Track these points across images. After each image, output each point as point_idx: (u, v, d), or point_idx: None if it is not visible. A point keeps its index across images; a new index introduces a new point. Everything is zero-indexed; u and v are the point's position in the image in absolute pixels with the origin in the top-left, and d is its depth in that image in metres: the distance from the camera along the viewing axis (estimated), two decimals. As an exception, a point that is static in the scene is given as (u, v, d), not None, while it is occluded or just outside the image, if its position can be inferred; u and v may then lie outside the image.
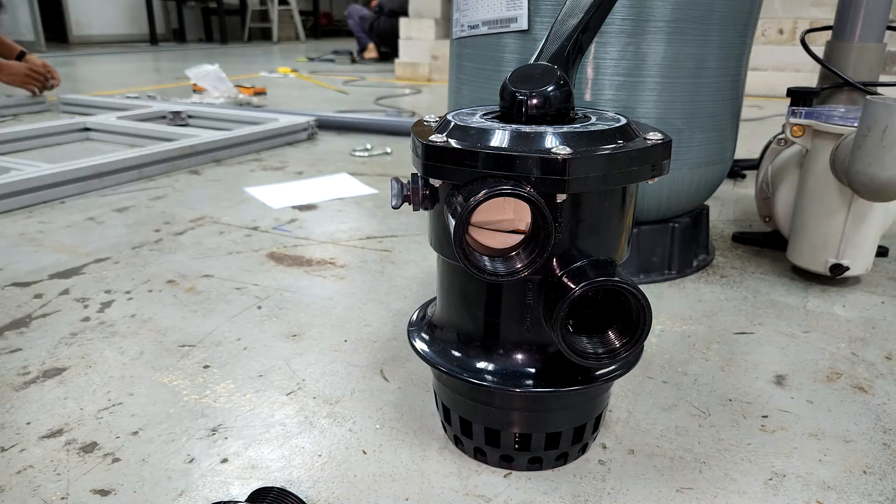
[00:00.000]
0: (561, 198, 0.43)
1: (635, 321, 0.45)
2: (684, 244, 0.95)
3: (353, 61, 4.92)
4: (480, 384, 0.49)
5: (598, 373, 0.50)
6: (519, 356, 0.50)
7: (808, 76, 2.83)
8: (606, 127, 0.47)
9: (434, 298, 0.58)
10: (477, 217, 0.45)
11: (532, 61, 0.50)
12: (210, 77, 2.58)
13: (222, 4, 6.92)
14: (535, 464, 0.54)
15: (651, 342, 0.76)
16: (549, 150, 0.43)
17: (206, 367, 0.70)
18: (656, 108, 0.84)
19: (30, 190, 1.26)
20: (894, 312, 0.84)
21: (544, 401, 0.51)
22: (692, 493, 0.52)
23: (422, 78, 3.79)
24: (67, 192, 1.32)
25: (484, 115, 0.51)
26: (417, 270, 0.96)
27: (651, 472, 0.54)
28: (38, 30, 5.53)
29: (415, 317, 0.59)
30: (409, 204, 0.49)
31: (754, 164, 1.28)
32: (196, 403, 0.63)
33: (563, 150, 0.42)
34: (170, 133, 1.77)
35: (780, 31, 3.10)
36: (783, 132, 0.91)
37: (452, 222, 0.43)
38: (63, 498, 0.51)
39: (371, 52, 5.07)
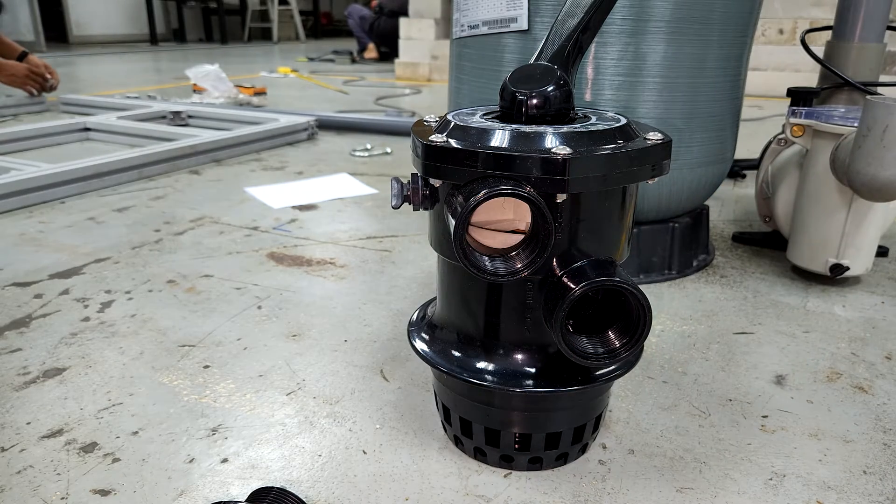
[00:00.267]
0: (561, 198, 0.43)
1: (635, 321, 0.45)
2: (684, 244, 0.95)
3: (354, 61, 4.92)
4: (480, 384, 0.49)
5: (598, 373, 0.50)
6: (519, 356, 0.50)
7: (808, 76, 2.83)
8: (606, 127, 0.47)
9: (434, 298, 0.58)
10: (477, 217, 0.45)
11: (532, 61, 0.50)
12: (210, 77, 2.58)
13: (222, 4, 6.93)
14: (535, 464, 0.54)
15: (651, 342, 0.76)
16: (549, 150, 0.43)
17: (206, 367, 0.70)
18: (656, 108, 0.84)
19: (30, 190, 1.26)
20: (894, 312, 0.84)
21: (544, 401, 0.51)
22: (692, 493, 0.52)
23: (422, 78, 3.79)
24: (67, 192, 1.32)
25: (484, 115, 0.51)
26: (417, 270, 0.96)
27: (651, 472, 0.54)
28: (38, 30, 5.53)
29: (415, 317, 0.59)
30: (409, 204, 0.49)
31: (754, 164, 1.28)
32: (196, 403, 0.63)
33: (563, 150, 0.42)
34: (170, 133, 1.77)
35: (780, 31, 3.10)
36: (783, 132, 0.91)
37: (452, 222, 0.43)
38: (63, 498, 0.51)
39: (371, 52, 5.07)
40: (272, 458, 0.56)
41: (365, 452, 0.57)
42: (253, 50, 6.11)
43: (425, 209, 0.49)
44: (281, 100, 2.80)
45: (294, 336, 0.77)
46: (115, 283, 0.91)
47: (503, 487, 0.53)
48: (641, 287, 0.44)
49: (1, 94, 2.47)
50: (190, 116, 2.12)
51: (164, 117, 2.09)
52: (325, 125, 2.06)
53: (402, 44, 3.94)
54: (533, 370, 0.50)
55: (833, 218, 0.86)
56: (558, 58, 0.50)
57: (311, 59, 4.97)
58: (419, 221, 1.18)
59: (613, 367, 0.50)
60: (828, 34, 1.04)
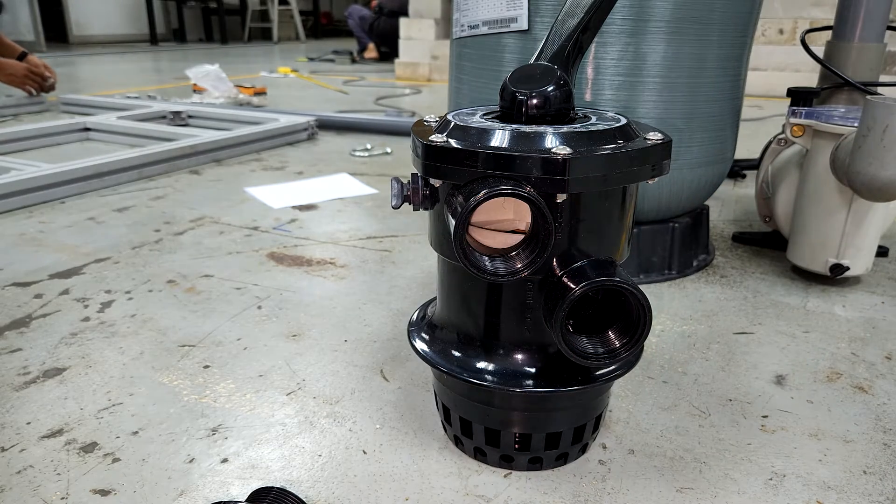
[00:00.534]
0: (561, 198, 0.43)
1: (635, 321, 0.45)
2: (684, 244, 0.95)
3: (353, 61, 4.92)
4: (480, 384, 0.49)
5: (598, 373, 0.50)
6: (519, 356, 0.50)
7: (808, 76, 2.83)
8: (606, 127, 0.47)
9: (434, 298, 0.58)
10: (477, 217, 0.45)
11: (532, 61, 0.50)
12: (210, 77, 2.58)
13: (222, 4, 6.93)
14: (536, 464, 0.54)
15: (651, 342, 0.76)
16: (549, 150, 0.43)
17: (207, 367, 0.70)
18: (656, 108, 0.84)
19: (30, 190, 1.26)
20: (894, 312, 0.84)
21: (544, 401, 0.51)
22: (692, 493, 0.52)
23: (422, 78, 3.79)
24: (67, 192, 1.32)
25: (484, 115, 0.51)
26: (417, 270, 0.96)
27: (651, 472, 0.54)
28: (38, 30, 5.53)
29: (415, 317, 0.59)
30: (409, 204, 0.49)
31: (754, 164, 1.28)
32: (196, 403, 0.63)
33: (563, 150, 0.42)
34: (170, 133, 1.77)
35: (780, 31, 3.10)
36: (783, 132, 0.91)
37: (452, 222, 0.43)
38: (63, 498, 0.51)
39: (371, 52, 5.07)
40: (272, 458, 0.56)
41: (365, 452, 0.57)
42: (253, 50, 6.11)
43: (425, 209, 0.49)
44: (281, 100, 2.80)
45: (294, 336, 0.77)
46: (115, 283, 0.91)
47: (503, 487, 0.53)
48: (641, 287, 0.44)
49: (1, 94, 2.47)
50: (190, 116, 2.12)
51: (164, 117, 2.09)
52: (325, 125, 2.06)
53: (402, 44, 3.94)
54: (533, 370, 0.50)
55: (833, 218, 0.86)
56: (558, 58, 0.50)
57: (311, 59, 4.97)
58: (419, 221, 1.18)
59: (613, 367, 0.50)
60: (828, 34, 1.04)
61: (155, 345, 0.74)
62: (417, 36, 3.87)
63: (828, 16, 2.14)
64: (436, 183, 0.48)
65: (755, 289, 0.91)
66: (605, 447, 0.58)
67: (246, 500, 0.48)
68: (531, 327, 0.49)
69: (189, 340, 0.76)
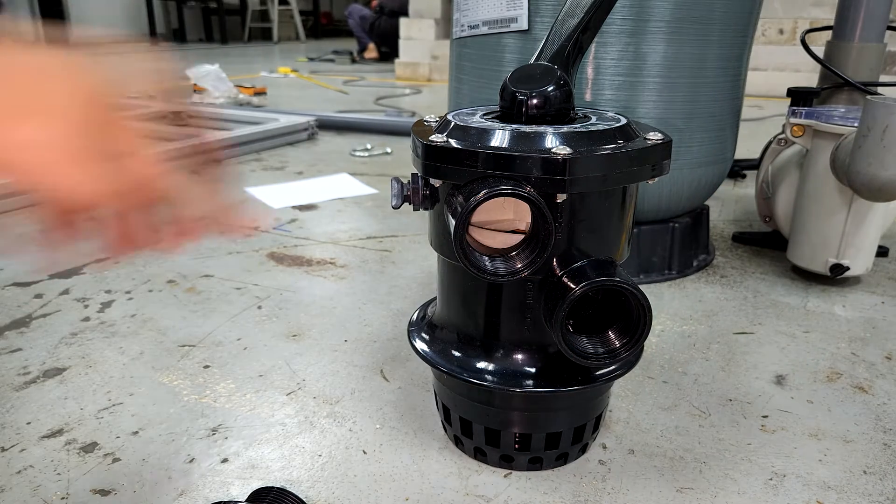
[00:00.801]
0: (561, 198, 0.43)
1: (635, 321, 0.45)
2: (684, 244, 0.95)
3: (354, 61, 4.91)
4: (480, 384, 0.49)
5: (598, 373, 0.50)
6: (519, 356, 0.50)
7: (808, 76, 2.83)
8: (606, 127, 0.47)
9: (434, 298, 0.58)
10: (477, 217, 0.45)
11: (532, 61, 0.50)
12: (210, 77, 2.58)
13: (222, 4, 6.92)
14: (536, 464, 0.54)
15: (651, 342, 0.76)
16: (549, 150, 0.43)
17: (207, 367, 0.70)
18: (656, 108, 0.84)
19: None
20: (894, 312, 0.84)
21: (544, 401, 0.51)
22: (692, 493, 0.52)
23: (422, 78, 3.79)
24: (67, 192, 1.32)
25: (484, 115, 0.51)
26: (417, 270, 0.96)
27: (651, 472, 0.54)
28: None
29: (415, 317, 0.59)
30: (409, 204, 0.49)
31: (754, 164, 1.28)
32: (196, 403, 0.63)
33: (563, 150, 0.42)
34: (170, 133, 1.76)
35: (780, 31, 3.10)
36: (783, 132, 0.91)
37: (452, 222, 0.43)
38: (63, 498, 0.51)
39: (371, 52, 5.07)
40: (272, 458, 0.56)
41: (365, 452, 0.57)
42: (253, 50, 6.11)
43: (425, 209, 0.49)
44: (281, 100, 2.80)
45: (294, 336, 0.77)
46: (115, 283, 0.91)
47: (503, 487, 0.53)
48: (641, 287, 0.44)
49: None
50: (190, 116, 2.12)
51: (163, 117, 2.09)
52: (325, 125, 2.06)
53: (402, 44, 3.94)
54: (533, 370, 0.50)
55: (833, 218, 0.86)
56: (558, 58, 0.50)
57: (311, 59, 4.97)
58: (419, 221, 1.18)
59: (613, 367, 0.50)
60: (828, 34, 1.04)
61: (155, 345, 0.74)
62: (417, 36, 3.87)
63: (828, 16, 2.14)
64: (436, 183, 0.48)
65: (755, 289, 0.91)
66: (605, 447, 0.58)
67: (246, 500, 0.48)
68: (531, 327, 0.49)
69: (189, 340, 0.76)
